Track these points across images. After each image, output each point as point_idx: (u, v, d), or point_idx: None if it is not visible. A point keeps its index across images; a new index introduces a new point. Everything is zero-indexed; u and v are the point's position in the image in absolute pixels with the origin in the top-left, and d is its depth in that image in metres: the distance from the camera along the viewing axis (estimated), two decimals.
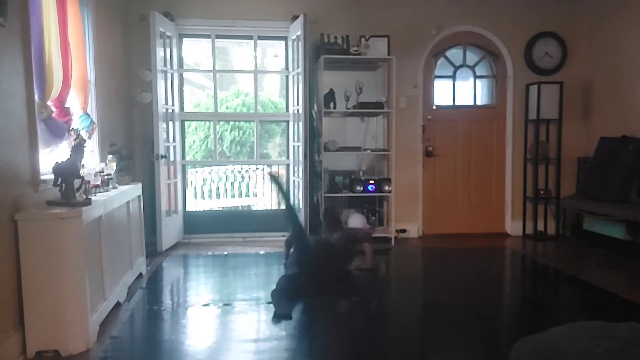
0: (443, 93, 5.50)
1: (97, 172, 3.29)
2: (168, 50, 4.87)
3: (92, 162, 3.66)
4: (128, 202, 3.62)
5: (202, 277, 4.07)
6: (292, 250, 3.74)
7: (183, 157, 5.35)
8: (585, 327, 1.73)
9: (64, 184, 2.74)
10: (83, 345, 2.59)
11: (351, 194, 4.91)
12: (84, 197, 2.90)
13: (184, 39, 5.27)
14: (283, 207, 3.49)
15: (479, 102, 5.60)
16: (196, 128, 8.98)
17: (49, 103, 2.88)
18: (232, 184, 7.93)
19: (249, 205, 7.91)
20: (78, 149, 2.88)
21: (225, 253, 4.71)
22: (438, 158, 5.50)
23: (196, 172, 7.68)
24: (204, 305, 3.30)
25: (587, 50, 5.50)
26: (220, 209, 7.59)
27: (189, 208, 5.67)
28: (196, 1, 5.06)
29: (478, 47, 5.47)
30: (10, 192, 2.48)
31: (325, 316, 3.19)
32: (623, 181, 4.64)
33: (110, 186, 3.46)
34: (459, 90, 5.51)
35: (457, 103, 5.51)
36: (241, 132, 9.06)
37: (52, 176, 2.77)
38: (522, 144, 5.48)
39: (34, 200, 2.68)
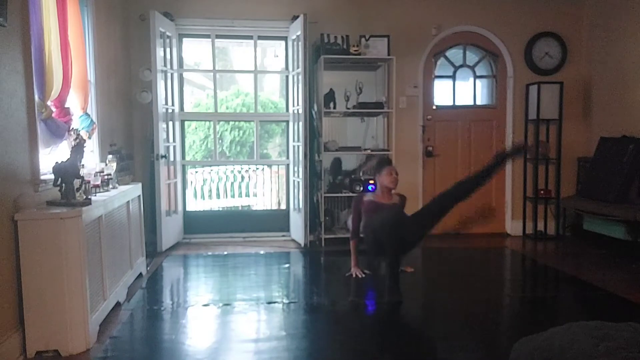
0: (443, 93, 5.50)
1: (97, 172, 3.29)
2: (168, 50, 4.87)
3: (92, 162, 3.67)
4: (128, 202, 3.62)
5: (202, 277, 4.07)
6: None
7: (183, 157, 5.35)
8: (585, 327, 1.73)
9: (64, 184, 2.74)
10: (83, 345, 2.59)
11: (351, 194, 4.91)
12: (84, 197, 2.90)
13: (184, 39, 5.27)
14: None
15: (479, 102, 5.60)
16: (196, 128, 8.98)
17: (49, 103, 2.88)
18: (232, 184, 7.94)
19: (249, 205, 7.91)
20: (78, 149, 2.88)
21: (225, 253, 4.71)
22: (438, 158, 5.50)
23: (196, 172, 7.69)
24: (204, 305, 3.30)
25: (587, 50, 5.50)
26: (220, 209, 7.60)
27: (189, 208, 5.67)
28: (196, 1, 5.06)
29: (478, 47, 5.48)
30: (10, 192, 2.47)
31: (325, 316, 3.19)
32: (623, 181, 4.64)
33: (110, 186, 3.46)
34: (459, 90, 5.51)
35: (457, 103, 5.51)
36: (241, 132, 9.07)
37: (52, 176, 2.77)
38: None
39: (34, 200, 2.68)
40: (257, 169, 7.94)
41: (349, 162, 5.24)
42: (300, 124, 4.88)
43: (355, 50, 4.91)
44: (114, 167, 3.60)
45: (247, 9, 5.11)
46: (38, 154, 2.74)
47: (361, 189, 4.87)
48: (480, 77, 5.58)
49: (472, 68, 5.50)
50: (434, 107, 5.47)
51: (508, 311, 3.42)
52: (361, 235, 3.86)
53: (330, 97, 4.92)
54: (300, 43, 4.80)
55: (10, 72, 2.49)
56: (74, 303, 2.55)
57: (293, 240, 5.22)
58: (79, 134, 3.12)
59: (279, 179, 7.58)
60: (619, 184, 4.64)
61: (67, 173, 2.74)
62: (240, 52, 9.30)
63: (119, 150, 4.19)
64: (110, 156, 3.70)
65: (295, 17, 4.94)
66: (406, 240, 3.46)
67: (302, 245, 4.90)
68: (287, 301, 3.37)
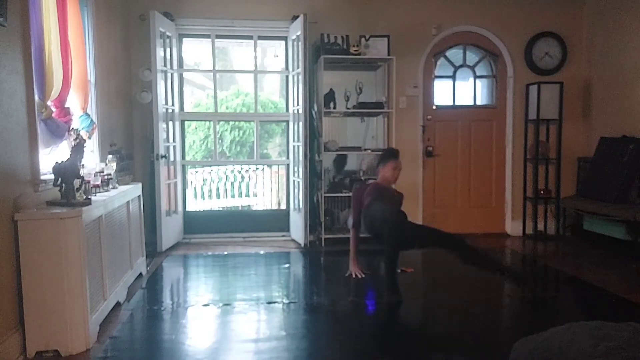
0: (443, 93, 5.50)
1: (97, 172, 3.29)
2: (168, 50, 4.87)
3: (92, 162, 3.67)
4: (128, 202, 3.62)
5: (202, 277, 4.07)
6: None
7: (183, 157, 5.35)
8: (585, 327, 1.72)
9: (64, 184, 2.74)
10: (83, 345, 2.59)
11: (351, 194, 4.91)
12: (84, 197, 2.90)
13: (184, 39, 5.27)
14: None
15: (479, 102, 5.60)
16: (196, 128, 8.99)
17: (49, 103, 2.88)
18: (232, 184, 7.94)
19: (249, 205, 7.91)
20: (78, 149, 2.88)
21: (225, 253, 4.71)
22: (438, 158, 5.50)
23: (196, 172, 7.69)
24: (204, 305, 3.30)
25: (587, 50, 5.50)
26: (220, 209, 7.60)
27: (189, 208, 5.67)
28: (196, 1, 5.06)
29: (478, 47, 5.48)
30: (10, 192, 2.47)
31: (325, 316, 3.19)
32: (623, 181, 4.64)
33: (110, 186, 3.46)
34: (459, 90, 5.51)
35: (457, 103, 5.51)
36: (241, 132, 9.07)
37: (52, 176, 2.77)
38: (522, 144, 5.48)
39: (34, 200, 2.68)
40: (257, 169, 7.94)
41: (349, 162, 5.25)
42: (300, 124, 4.88)
43: (355, 50, 4.91)
44: (114, 167, 3.60)
45: (247, 9, 5.11)
46: (38, 154, 2.74)
47: None
48: (480, 77, 5.58)
49: (472, 68, 5.50)
50: (434, 107, 5.47)
51: (508, 311, 3.42)
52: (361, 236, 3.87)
53: (330, 97, 4.92)
54: (300, 43, 4.80)
55: (10, 73, 2.49)
56: (74, 303, 2.55)
57: (293, 240, 5.22)
58: (79, 134, 3.12)
59: (279, 179, 7.58)
60: (619, 184, 4.64)
61: (67, 173, 2.74)
62: (240, 52, 9.31)
63: (119, 150, 4.19)
64: (110, 156, 3.69)
65: (295, 17, 4.94)
66: (405, 241, 3.47)
67: (302, 245, 4.90)
68: (287, 301, 3.37)
